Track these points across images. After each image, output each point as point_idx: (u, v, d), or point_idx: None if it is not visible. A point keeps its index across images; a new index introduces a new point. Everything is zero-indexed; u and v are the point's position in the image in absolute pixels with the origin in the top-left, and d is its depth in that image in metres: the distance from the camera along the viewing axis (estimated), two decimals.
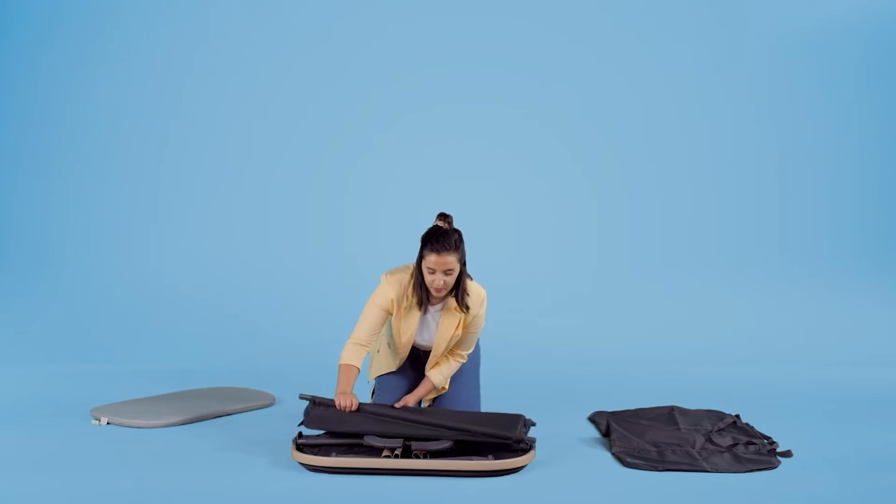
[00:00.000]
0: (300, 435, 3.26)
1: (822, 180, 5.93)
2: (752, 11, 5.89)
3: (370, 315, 3.45)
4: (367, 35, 5.80)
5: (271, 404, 4.10)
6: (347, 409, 3.34)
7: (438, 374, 3.58)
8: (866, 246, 5.86)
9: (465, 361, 3.61)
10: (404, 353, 3.57)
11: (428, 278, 3.34)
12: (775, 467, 3.27)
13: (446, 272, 3.31)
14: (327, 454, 3.18)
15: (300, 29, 5.80)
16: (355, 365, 3.42)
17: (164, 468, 3.21)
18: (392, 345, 3.62)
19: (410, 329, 3.47)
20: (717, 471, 3.22)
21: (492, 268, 5.62)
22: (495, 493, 3.00)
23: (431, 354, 3.57)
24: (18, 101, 5.77)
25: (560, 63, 5.84)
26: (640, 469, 3.24)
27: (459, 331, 3.50)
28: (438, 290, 3.35)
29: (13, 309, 5.36)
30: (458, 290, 3.41)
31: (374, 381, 3.74)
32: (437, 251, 3.29)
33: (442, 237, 3.31)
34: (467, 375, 3.72)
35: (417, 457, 3.17)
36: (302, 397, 3.39)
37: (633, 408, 4.00)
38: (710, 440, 3.51)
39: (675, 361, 4.98)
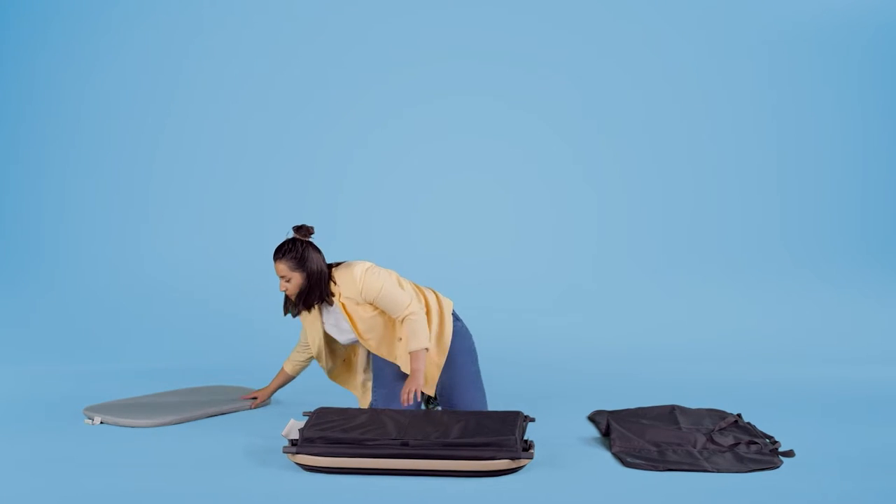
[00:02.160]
0: (294, 442, 3.22)
1: (824, 177, 5.92)
2: (754, 6, 5.88)
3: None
4: (364, 28, 5.78)
5: (266, 404, 4.07)
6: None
7: (412, 341, 3.55)
8: (869, 243, 5.85)
9: (422, 320, 3.59)
10: (320, 352, 3.73)
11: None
12: (777, 467, 3.24)
13: (284, 279, 3.57)
14: (326, 454, 3.14)
15: (294, 23, 5.78)
16: (285, 370, 4.02)
17: (156, 469, 3.19)
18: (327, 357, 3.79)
19: (316, 330, 3.70)
20: (718, 471, 3.19)
21: (490, 264, 5.64)
22: (495, 493, 2.98)
23: (370, 335, 3.62)
24: (11, 98, 5.75)
25: (560, 57, 5.82)
26: (641, 469, 3.22)
27: (362, 309, 3.59)
28: (285, 292, 3.62)
29: (5, 307, 5.34)
30: (320, 290, 3.58)
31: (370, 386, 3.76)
32: (274, 258, 3.58)
33: (278, 247, 3.58)
34: (466, 371, 3.71)
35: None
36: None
37: (633, 407, 3.98)
38: (711, 440, 3.49)
39: (676, 360, 4.97)
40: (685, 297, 5.58)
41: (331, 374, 3.85)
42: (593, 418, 3.86)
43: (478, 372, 3.77)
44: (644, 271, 5.69)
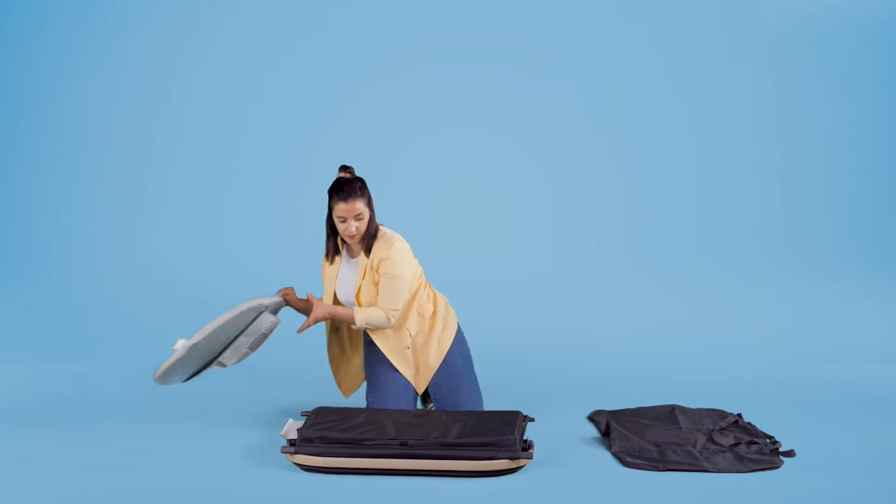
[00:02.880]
0: (292, 442, 3.21)
1: (825, 175, 5.90)
2: (755, 4, 5.86)
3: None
4: (364, 25, 5.77)
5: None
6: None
7: (360, 311, 3.53)
8: (871, 242, 5.83)
9: (386, 323, 3.54)
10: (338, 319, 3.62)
11: (340, 227, 3.50)
12: (778, 467, 3.23)
13: (356, 217, 3.47)
14: (324, 454, 3.13)
15: (293, 20, 5.76)
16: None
17: (154, 469, 3.18)
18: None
19: (331, 284, 3.64)
20: (718, 471, 3.18)
21: (490, 263, 5.63)
22: (495, 493, 2.98)
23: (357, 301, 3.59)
24: (7, 95, 5.73)
25: (560, 56, 5.81)
26: (641, 469, 3.21)
27: (369, 281, 3.54)
28: (352, 237, 3.51)
29: (2, 306, 5.32)
30: (372, 235, 3.55)
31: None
32: (344, 199, 3.45)
33: (346, 185, 3.48)
34: (462, 373, 3.70)
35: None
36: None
37: (633, 406, 3.97)
38: (711, 439, 3.48)
39: (676, 359, 4.95)
40: (685, 296, 5.56)
41: (329, 351, 3.80)
42: (593, 418, 3.85)
43: (476, 377, 3.79)
44: (644, 270, 5.68)
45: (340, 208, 3.46)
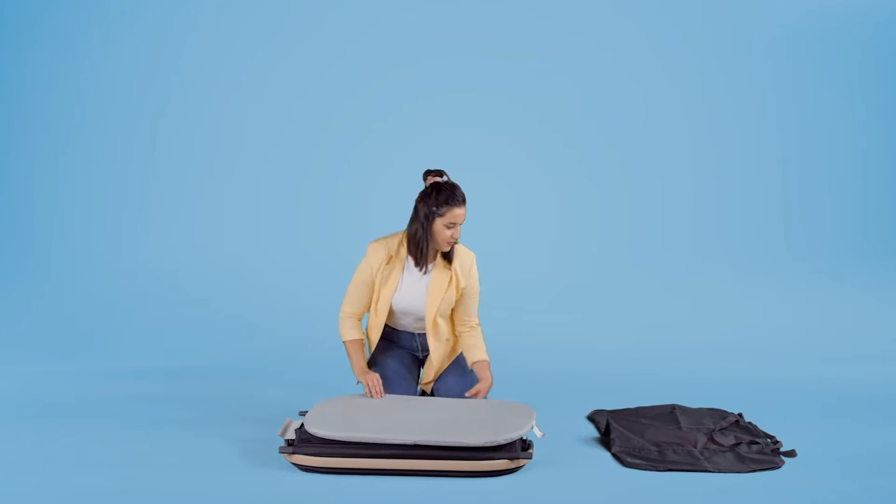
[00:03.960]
0: (290, 442, 3.19)
1: (825, 174, 5.90)
2: (756, 2, 5.85)
3: (353, 287, 3.55)
4: (363, 23, 5.76)
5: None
6: (375, 395, 3.43)
7: (482, 351, 3.56)
8: (871, 241, 5.83)
9: (479, 327, 3.63)
10: (382, 318, 3.54)
11: (446, 233, 3.41)
12: (779, 467, 3.22)
13: (459, 224, 3.43)
14: (322, 454, 3.12)
15: (293, 17, 5.75)
16: (359, 338, 3.56)
17: (151, 469, 3.17)
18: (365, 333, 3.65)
19: (391, 290, 3.51)
20: (719, 471, 3.17)
21: (490, 261, 5.60)
22: (494, 493, 2.96)
23: (427, 321, 3.52)
24: (4, 94, 5.71)
25: (561, 55, 5.80)
26: (641, 469, 3.19)
27: (452, 290, 3.51)
28: (450, 244, 3.45)
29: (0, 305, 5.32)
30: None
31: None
32: (458, 204, 3.39)
33: (457, 190, 3.42)
34: (463, 367, 3.69)
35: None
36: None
37: (633, 406, 3.95)
38: (712, 439, 3.46)
39: (676, 358, 4.95)
40: (686, 295, 5.56)
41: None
42: (593, 418, 3.83)
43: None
44: (645, 269, 5.67)
45: (455, 214, 3.39)
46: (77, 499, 2.89)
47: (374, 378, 3.46)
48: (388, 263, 3.51)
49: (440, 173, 3.47)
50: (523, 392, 4.21)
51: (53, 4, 5.69)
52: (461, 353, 3.69)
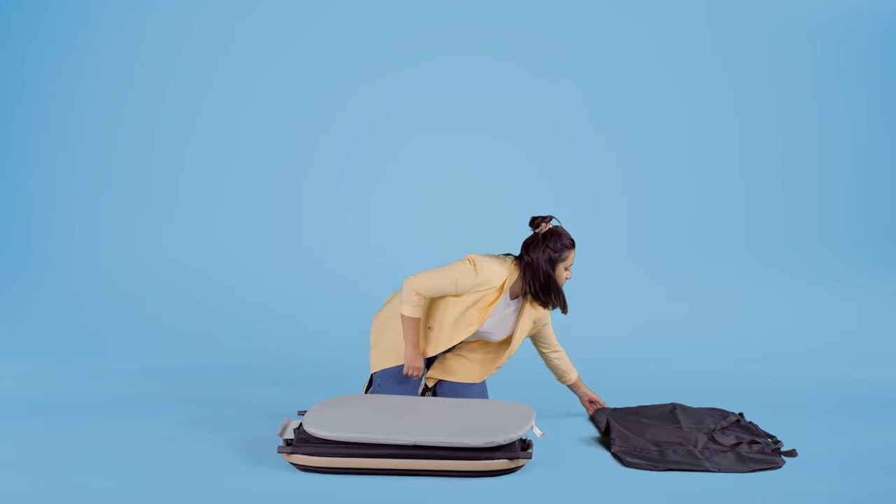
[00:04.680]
0: (289, 442, 3.18)
1: (827, 172, 5.88)
2: (756, 0, 5.84)
3: (443, 281, 3.54)
4: (363, 21, 5.75)
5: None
6: (415, 376, 3.56)
7: (570, 373, 3.92)
8: (873, 239, 5.81)
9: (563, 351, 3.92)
10: (450, 342, 3.59)
11: (564, 275, 3.61)
12: (780, 467, 3.21)
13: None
14: (321, 454, 3.10)
15: (291, 16, 5.74)
16: (420, 317, 3.56)
17: (148, 469, 3.15)
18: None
19: (481, 319, 3.57)
20: (719, 470, 3.16)
21: None
22: (494, 493, 2.95)
23: (507, 349, 3.71)
24: (1, 91, 5.70)
25: (561, 53, 5.79)
26: (641, 469, 3.18)
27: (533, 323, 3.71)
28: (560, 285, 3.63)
29: None
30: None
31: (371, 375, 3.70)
32: (573, 247, 3.60)
33: (569, 235, 3.61)
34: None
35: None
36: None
37: (633, 405, 3.94)
38: (712, 439, 3.45)
39: (677, 358, 4.94)
40: (686, 294, 5.55)
41: (385, 363, 3.67)
42: (593, 417, 3.82)
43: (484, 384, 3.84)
44: (645, 269, 5.67)
45: (572, 255, 3.60)
46: (72, 499, 2.87)
47: (420, 367, 3.56)
48: (491, 294, 3.59)
49: (547, 219, 3.62)
50: (523, 392, 4.20)
51: (51, 3, 5.68)
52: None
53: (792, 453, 3.35)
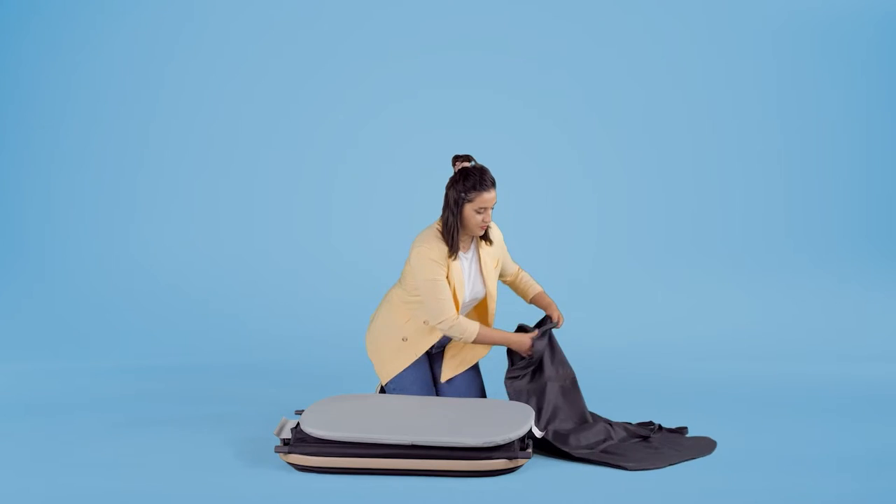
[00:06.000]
0: (286, 441, 3.17)
1: (829, 169, 5.87)
2: None
3: (440, 290, 3.42)
4: (361, 16, 5.74)
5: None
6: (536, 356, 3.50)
7: (531, 286, 3.75)
8: (875, 237, 5.80)
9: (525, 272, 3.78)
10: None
11: (476, 218, 3.40)
12: (714, 448, 3.29)
13: (490, 208, 3.41)
14: (319, 454, 3.10)
15: (287, 11, 5.73)
16: (478, 322, 3.48)
17: (146, 469, 3.16)
18: (407, 338, 3.57)
19: (462, 282, 3.47)
20: (670, 463, 3.20)
21: None
22: (493, 493, 2.95)
23: (489, 301, 3.57)
24: None
25: (560, 50, 5.78)
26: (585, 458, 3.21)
27: (497, 265, 3.60)
28: (483, 227, 3.44)
29: None
30: None
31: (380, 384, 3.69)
32: (486, 188, 3.37)
33: (486, 174, 3.40)
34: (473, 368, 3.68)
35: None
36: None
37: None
38: (628, 432, 3.44)
39: (677, 357, 4.94)
40: (686, 293, 5.55)
41: (395, 371, 3.59)
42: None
43: (480, 379, 3.77)
44: (645, 267, 5.66)
45: (485, 199, 3.38)
46: (69, 499, 2.88)
47: (528, 343, 3.49)
48: (448, 257, 3.46)
49: (468, 158, 3.45)
50: None
51: (45, 1, 5.66)
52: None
53: (683, 430, 3.46)
